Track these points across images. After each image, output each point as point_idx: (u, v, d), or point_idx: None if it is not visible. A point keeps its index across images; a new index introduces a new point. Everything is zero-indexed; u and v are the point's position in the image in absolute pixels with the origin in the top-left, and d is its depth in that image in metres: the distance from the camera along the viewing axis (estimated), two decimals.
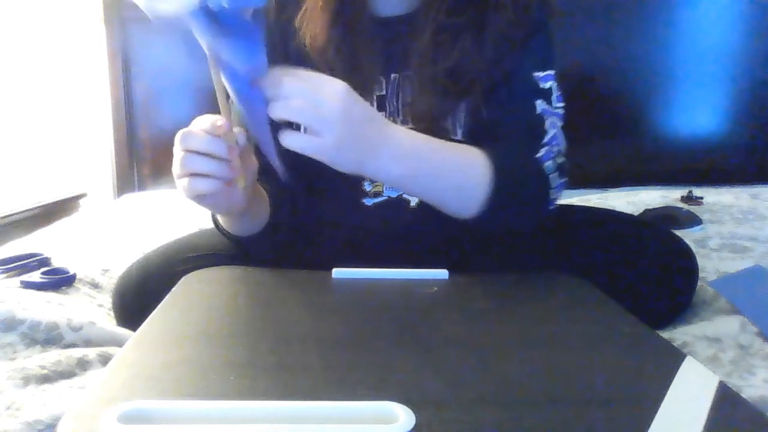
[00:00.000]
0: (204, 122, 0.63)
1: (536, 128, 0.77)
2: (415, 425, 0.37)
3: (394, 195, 0.83)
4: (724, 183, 1.79)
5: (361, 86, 0.78)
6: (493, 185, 0.71)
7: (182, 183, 0.63)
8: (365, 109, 0.64)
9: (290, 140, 0.61)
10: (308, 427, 0.37)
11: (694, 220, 1.33)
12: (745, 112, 1.92)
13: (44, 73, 1.82)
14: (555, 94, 0.79)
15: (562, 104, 0.79)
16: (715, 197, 1.60)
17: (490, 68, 0.77)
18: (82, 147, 1.95)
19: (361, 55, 0.78)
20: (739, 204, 1.54)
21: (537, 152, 0.76)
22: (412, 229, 0.83)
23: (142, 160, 1.96)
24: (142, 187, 1.96)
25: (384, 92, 0.81)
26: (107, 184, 1.98)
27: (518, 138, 0.77)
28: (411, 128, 0.76)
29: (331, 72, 0.77)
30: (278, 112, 0.60)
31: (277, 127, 0.62)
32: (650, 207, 1.48)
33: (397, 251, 0.82)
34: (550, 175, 0.75)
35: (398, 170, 0.67)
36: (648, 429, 0.38)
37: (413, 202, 0.83)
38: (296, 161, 0.63)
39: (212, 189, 0.62)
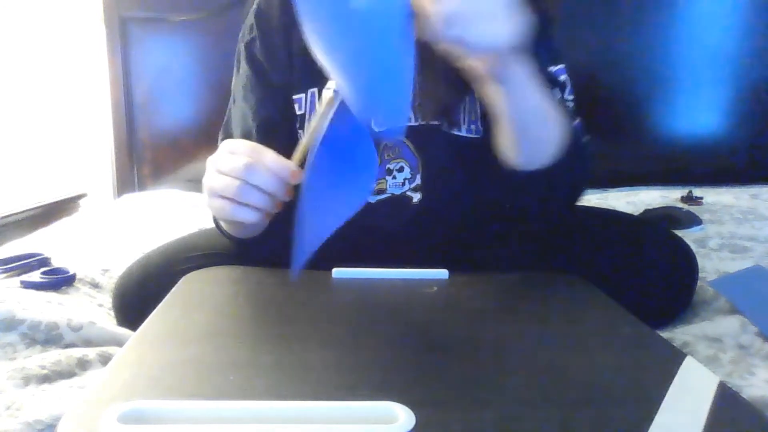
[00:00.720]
0: (270, 159, 0.59)
1: (569, 115, 0.76)
2: (415, 425, 0.37)
3: (397, 192, 0.83)
4: (724, 183, 1.79)
5: None
6: (568, 144, 0.69)
7: (221, 203, 0.60)
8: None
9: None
10: (308, 427, 0.37)
11: (694, 220, 1.33)
12: (745, 112, 1.92)
13: (44, 73, 1.82)
14: (569, 87, 0.80)
15: (572, 97, 0.80)
16: (715, 197, 1.60)
17: None
18: (82, 147, 1.95)
19: None
20: (739, 204, 1.54)
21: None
22: (413, 227, 0.83)
23: (142, 160, 1.96)
24: (142, 187, 1.96)
25: None
26: (107, 184, 1.98)
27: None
28: (422, 125, 0.77)
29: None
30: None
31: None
32: (650, 207, 1.48)
33: (398, 250, 0.82)
34: (587, 159, 0.76)
35: (524, 75, 0.63)
36: (648, 429, 0.38)
37: (415, 198, 0.83)
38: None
39: (255, 220, 0.60)
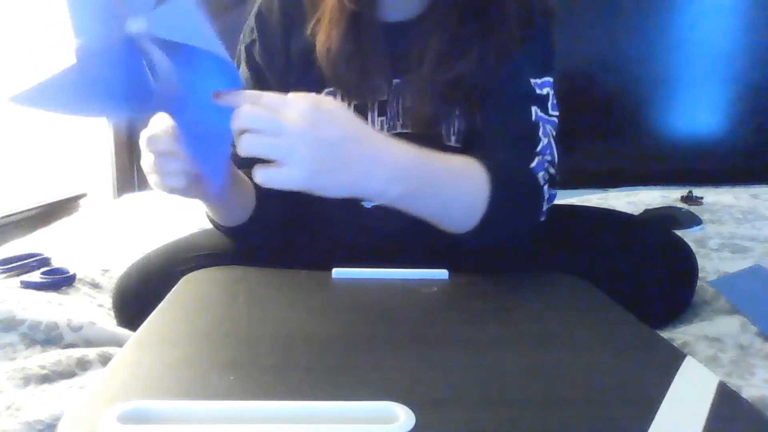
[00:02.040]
0: (165, 123, 0.60)
1: (530, 136, 0.75)
2: (415, 425, 0.37)
3: None
4: (724, 183, 1.79)
5: (370, 93, 0.79)
6: (491, 197, 0.68)
7: (153, 179, 0.64)
8: (343, 127, 0.57)
9: (261, 176, 0.55)
10: (308, 427, 0.37)
11: (694, 220, 1.33)
12: (745, 112, 1.92)
13: (44, 74, 1.82)
14: (551, 101, 0.78)
15: (557, 113, 0.78)
16: (715, 197, 1.60)
17: (489, 75, 0.76)
18: (82, 147, 1.94)
19: (369, 61, 0.78)
20: (739, 204, 1.54)
21: (531, 161, 0.74)
22: (412, 229, 0.83)
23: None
24: (142, 187, 1.96)
25: (386, 97, 0.80)
26: (107, 184, 1.98)
27: (512, 145, 0.75)
28: (409, 133, 0.76)
29: (337, 78, 0.77)
30: (240, 147, 0.54)
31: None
32: (650, 207, 1.48)
33: (398, 251, 0.82)
34: (543, 187, 0.74)
35: (397, 190, 0.61)
36: (648, 429, 0.38)
37: None
38: None
39: (181, 185, 0.62)
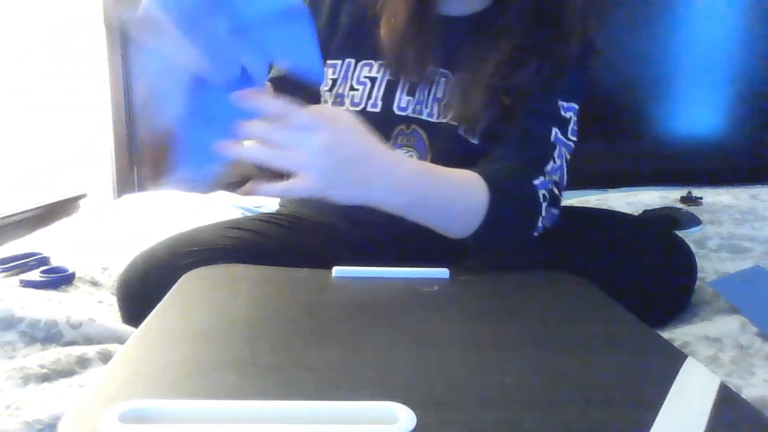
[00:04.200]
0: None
1: (544, 154, 0.78)
2: (416, 426, 0.37)
3: None
4: (724, 183, 1.79)
5: (417, 77, 0.83)
6: (489, 208, 0.72)
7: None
8: (359, 144, 0.63)
9: (279, 190, 0.61)
10: (309, 427, 0.37)
11: (693, 221, 1.33)
12: (745, 112, 1.92)
13: (44, 74, 1.82)
14: (572, 126, 0.81)
15: (575, 138, 0.81)
16: (714, 198, 1.60)
17: (536, 87, 0.80)
18: (82, 148, 1.94)
19: (425, 50, 0.81)
20: (739, 204, 1.54)
21: (536, 178, 0.76)
22: (415, 226, 0.84)
23: (141, 160, 1.96)
24: (142, 187, 1.96)
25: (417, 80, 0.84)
26: (107, 185, 1.98)
27: (524, 159, 0.78)
28: (435, 123, 0.81)
29: (394, 57, 0.82)
30: (257, 155, 0.60)
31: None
32: (649, 207, 1.48)
33: (399, 249, 0.83)
34: (543, 204, 0.76)
35: (401, 200, 0.67)
36: (649, 430, 0.38)
37: None
38: None
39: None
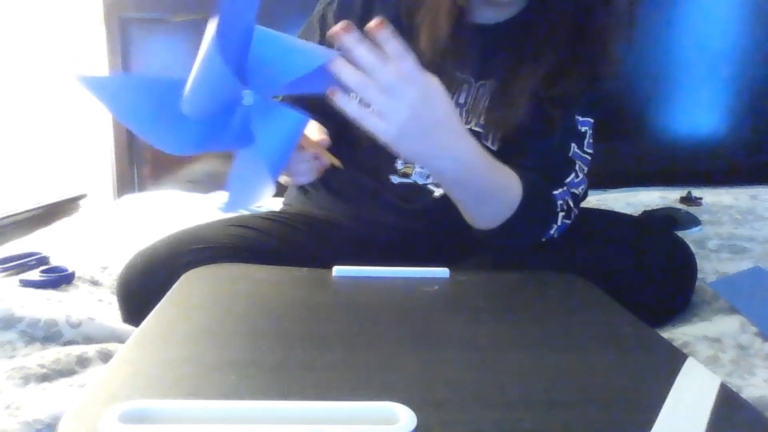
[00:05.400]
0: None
1: (565, 168, 0.81)
2: (417, 426, 0.37)
3: (420, 181, 0.85)
4: (723, 184, 1.79)
5: (455, 85, 0.84)
6: (518, 210, 0.75)
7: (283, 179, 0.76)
8: (443, 110, 0.65)
9: (356, 112, 0.61)
10: (309, 428, 0.37)
11: (693, 221, 1.33)
12: (745, 113, 1.92)
13: (44, 74, 1.82)
14: (587, 140, 0.83)
15: (591, 151, 0.83)
16: (714, 198, 1.60)
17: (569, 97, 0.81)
18: (83, 148, 1.94)
19: (459, 59, 0.83)
20: (738, 205, 1.54)
21: (556, 189, 0.79)
22: (424, 221, 0.85)
23: (142, 161, 1.96)
24: (142, 188, 1.96)
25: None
26: (107, 185, 1.98)
27: (546, 170, 0.80)
28: (473, 129, 0.82)
29: (433, 65, 0.82)
30: (354, 84, 0.60)
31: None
32: (649, 208, 1.48)
33: (399, 249, 0.83)
34: (558, 214, 0.79)
35: (456, 174, 0.69)
36: (650, 431, 0.38)
37: (437, 193, 0.85)
38: (341, 124, 0.67)
39: (310, 179, 0.75)
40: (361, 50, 0.59)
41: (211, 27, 0.55)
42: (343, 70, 0.60)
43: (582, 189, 0.82)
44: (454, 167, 0.68)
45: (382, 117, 0.61)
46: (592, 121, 0.84)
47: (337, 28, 0.59)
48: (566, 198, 0.80)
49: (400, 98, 0.60)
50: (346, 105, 0.62)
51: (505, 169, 0.75)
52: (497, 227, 0.76)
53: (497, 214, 0.76)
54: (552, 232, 0.80)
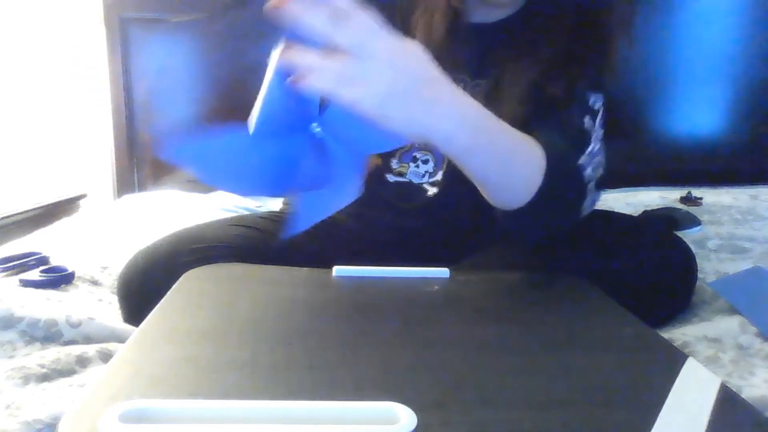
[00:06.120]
0: None
1: (582, 139, 0.75)
2: (417, 426, 0.37)
3: (416, 181, 0.85)
4: (723, 183, 1.79)
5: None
6: (545, 181, 0.65)
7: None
8: (427, 66, 0.54)
9: (319, 85, 0.48)
10: (309, 428, 0.37)
11: (693, 221, 1.33)
12: (745, 112, 1.92)
13: (44, 74, 1.82)
14: (600, 118, 0.79)
15: (603, 130, 0.79)
16: (714, 198, 1.60)
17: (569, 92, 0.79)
18: (83, 148, 1.94)
19: (455, 59, 0.80)
20: (738, 205, 1.54)
21: (578, 158, 0.72)
22: (420, 221, 0.84)
23: (142, 161, 1.96)
24: (142, 188, 1.96)
25: None
26: (107, 185, 1.98)
27: (564, 142, 0.74)
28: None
29: None
30: (315, 63, 0.48)
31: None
32: (649, 207, 1.48)
33: (400, 248, 0.83)
34: (588, 184, 0.73)
35: (467, 140, 0.57)
36: (650, 431, 0.38)
37: (431, 192, 0.85)
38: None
39: None
40: (309, 17, 0.48)
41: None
42: (296, 55, 0.48)
43: (600, 157, 0.75)
44: (462, 129, 0.56)
45: (359, 83, 0.49)
46: (602, 98, 0.80)
47: (275, 2, 0.48)
48: (593, 167, 0.73)
49: (373, 56, 0.49)
50: (316, 85, 0.48)
51: (519, 132, 0.65)
52: (527, 205, 0.66)
53: (526, 180, 0.65)
54: (585, 205, 0.73)
